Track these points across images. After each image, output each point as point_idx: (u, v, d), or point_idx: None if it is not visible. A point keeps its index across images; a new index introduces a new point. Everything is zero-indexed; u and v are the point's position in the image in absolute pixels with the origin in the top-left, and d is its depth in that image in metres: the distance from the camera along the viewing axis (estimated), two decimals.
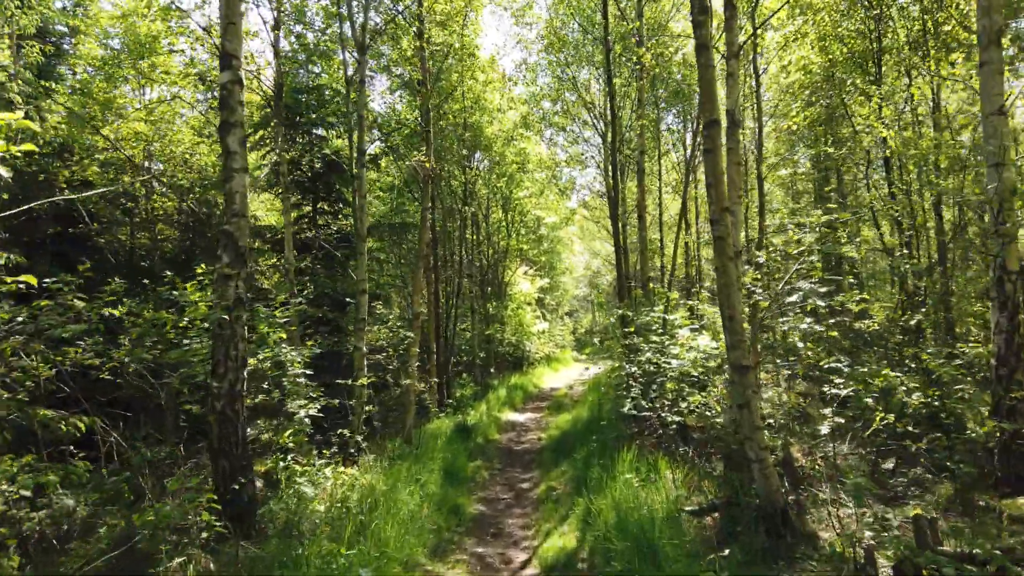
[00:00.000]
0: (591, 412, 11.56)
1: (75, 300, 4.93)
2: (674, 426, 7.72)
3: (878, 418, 4.60)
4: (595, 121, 14.09)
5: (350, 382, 6.80)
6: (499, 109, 14.50)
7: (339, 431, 6.46)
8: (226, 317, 4.79)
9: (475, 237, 18.54)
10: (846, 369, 5.03)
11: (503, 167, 17.04)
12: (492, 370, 18.67)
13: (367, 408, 6.99)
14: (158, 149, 10.47)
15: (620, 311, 7.95)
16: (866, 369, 4.92)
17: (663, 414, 7.76)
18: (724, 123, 5.50)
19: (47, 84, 10.12)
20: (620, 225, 11.52)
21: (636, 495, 6.26)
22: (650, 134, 15.80)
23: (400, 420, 9.28)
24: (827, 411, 5.30)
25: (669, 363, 8.02)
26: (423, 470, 7.58)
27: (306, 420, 6.34)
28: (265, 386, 5.54)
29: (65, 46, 12.99)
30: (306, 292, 10.81)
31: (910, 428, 4.70)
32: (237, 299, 4.91)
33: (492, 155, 15.98)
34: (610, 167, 11.50)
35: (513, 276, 22.34)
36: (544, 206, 21.67)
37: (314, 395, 5.93)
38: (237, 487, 4.67)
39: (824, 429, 5.24)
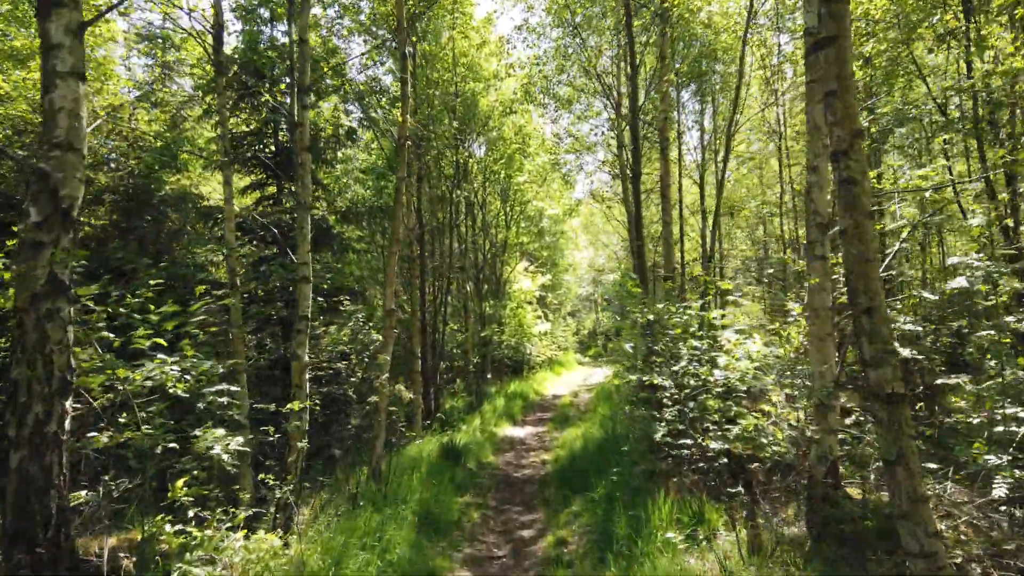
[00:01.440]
0: (604, 429, 9.72)
1: None
2: (723, 459, 5.83)
3: None
4: (606, 90, 12.14)
5: (274, 406, 4.84)
6: (496, 76, 12.57)
7: (260, 477, 4.53)
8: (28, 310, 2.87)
9: (470, 228, 16.59)
10: None
11: (501, 148, 15.07)
12: (488, 376, 16.74)
13: (302, 444, 5.02)
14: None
15: (662, 305, 6.04)
16: None
17: (708, 442, 5.84)
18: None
19: None
20: (638, 203, 9.58)
21: (683, 567, 4.42)
22: (670, 113, 13.86)
23: (369, 444, 7.37)
24: (1001, 459, 3.40)
25: (713, 374, 6.13)
26: (391, 519, 5.66)
27: (224, 457, 4.49)
28: (122, 420, 3.59)
29: None
30: (270, 285, 8.91)
31: None
32: (52, 281, 2.99)
33: (488, 132, 13.99)
34: (628, 133, 9.58)
35: (512, 272, 20.39)
36: (546, 195, 19.73)
37: (212, 435, 4.02)
38: None
39: (998, 490, 3.33)
